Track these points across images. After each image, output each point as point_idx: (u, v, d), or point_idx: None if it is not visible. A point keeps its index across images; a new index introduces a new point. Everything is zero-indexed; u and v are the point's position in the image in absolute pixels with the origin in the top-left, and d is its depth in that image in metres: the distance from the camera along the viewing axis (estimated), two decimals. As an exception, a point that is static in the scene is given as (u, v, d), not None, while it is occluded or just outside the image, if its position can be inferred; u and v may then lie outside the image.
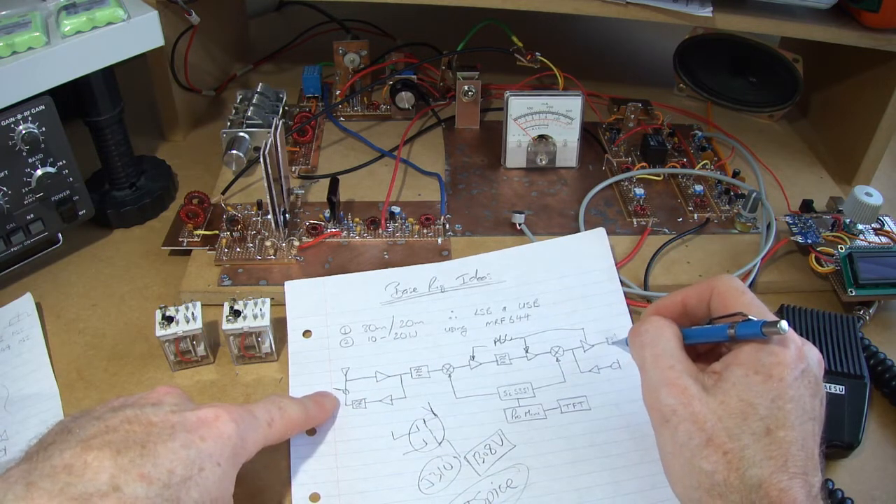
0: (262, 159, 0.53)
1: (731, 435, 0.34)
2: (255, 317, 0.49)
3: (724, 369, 0.37)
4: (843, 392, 0.47)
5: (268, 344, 0.51)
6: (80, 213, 0.58)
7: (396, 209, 0.62)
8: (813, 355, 0.37)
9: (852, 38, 0.63)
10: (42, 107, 0.53)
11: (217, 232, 0.59)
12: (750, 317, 0.37)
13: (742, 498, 0.33)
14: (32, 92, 0.52)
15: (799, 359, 0.36)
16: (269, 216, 0.58)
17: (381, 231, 0.61)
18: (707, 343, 0.41)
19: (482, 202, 0.65)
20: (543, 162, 0.69)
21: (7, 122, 0.51)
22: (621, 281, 0.55)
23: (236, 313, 0.49)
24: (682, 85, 0.82)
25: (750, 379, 0.36)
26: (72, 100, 0.57)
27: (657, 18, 0.64)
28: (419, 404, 0.48)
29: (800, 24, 0.64)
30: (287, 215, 0.59)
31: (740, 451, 0.34)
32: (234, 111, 0.70)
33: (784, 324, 0.35)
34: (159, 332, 0.49)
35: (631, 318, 0.53)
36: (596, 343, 0.51)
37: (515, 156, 0.69)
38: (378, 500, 0.44)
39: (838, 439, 0.46)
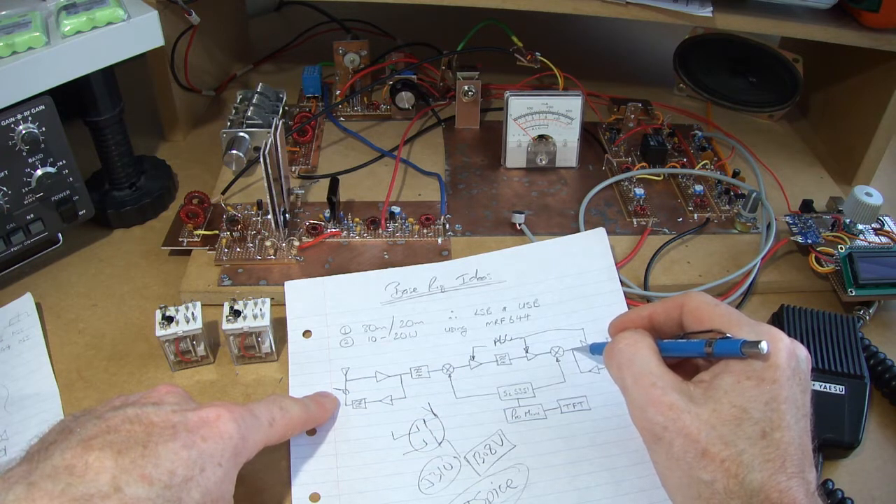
0: (262, 159, 0.53)
1: (726, 442, 0.34)
2: (255, 317, 0.50)
3: (713, 378, 0.37)
4: (843, 392, 0.47)
5: (268, 344, 0.51)
6: (80, 213, 0.58)
7: (396, 209, 0.62)
8: (801, 352, 0.37)
9: (852, 38, 0.63)
10: (42, 107, 0.53)
11: (217, 232, 0.59)
12: (728, 335, 0.37)
13: (743, 503, 0.33)
14: (32, 92, 0.52)
15: (790, 359, 0.36)
16: (269, 216, 0.58)
17: (381, 231, 0.61)
18: (681, 357, 0.40)
19: (482, 202, 0.65)
20: (543, 162, 0.69)
21: (7, 122, 0.51)
22: (621, 281, 0.55)
23: (236, 313, 0.49)
24: (682, 85, 0.82)
25: (742, 385, 0.35)
26: (72, 100, 0.57)
27: (657, 18, 0.64)
28: (419, 404, 0.48)
29: (800, 24, 0.64)
30: (287, 215, 0.59)
31: (737, 457, 0.34)
32: (234, 111, 0.70)
33: (765, 344, 0.35)
34: (159, 332, 0.49)
35: (631, 318, 0.53)
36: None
37: (515, 156, 0.69)
38: (378, 500, 0.44)
39: (838, 439, 0.46)
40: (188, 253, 0.59)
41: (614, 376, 0.41)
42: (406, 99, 0.73)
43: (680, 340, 0.40)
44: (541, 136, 0.67)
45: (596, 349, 0.46)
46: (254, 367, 0.52)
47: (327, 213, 0.62)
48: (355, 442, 0.46)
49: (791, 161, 0.73)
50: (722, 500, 0.34)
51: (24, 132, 0.52)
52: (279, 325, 0.53)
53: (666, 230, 0.62)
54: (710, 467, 0.34)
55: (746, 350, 0.35)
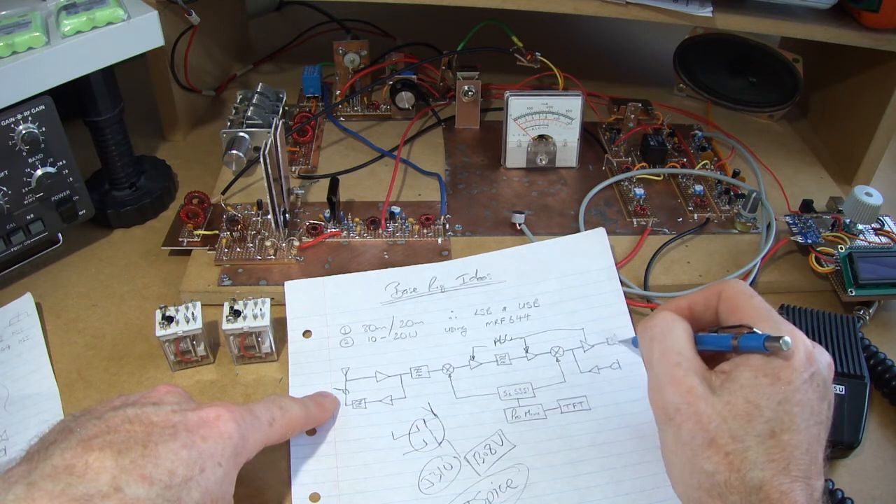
0: (262, 159, 0.53)
1: (734, 436, 0.34)
2: (255, 317, 0.49)
3: (732, 369, 0.37)
4: (843, 392, 0.47)
5: (268, 344, 0.51)
6: (80, 213, 0.58)
7: (396, 209, 0.62)
8: (823, 359, 0.37)
9: (852, 38, 0.63)
10: (42, 107, 0.53)
11: (217, 232, 0.59)
12: (755, 329, 0.37)
13: (742, 499, 0.33)
14: (32, 92, 0.52)
15: (808, 363, 0.36)
16: (269, 216, 0.58)
17: (381, 231, 0.61)
18: (712, 351, 0.40)
19: (482, 202, 0.65)
20: (543, 162, 0.69)
21: (7, 122, 0.51)
22: (621, 281, 0.55)
23: (236, 313, 0.49)
24: (682, 85, 0.82)
25: (758, 381, 0.35)
26: (72, 100, 0.57)
27: (657, 18, 0.64)
28: (419, 404, 0.48)
29: (800, 24, 0.64)
30: (287, 215, 0.59)
31: (742, 453, 0.34)
32: (234, 111, 0.70)
33: (788, 339, 0.35)
34: (159, 332, 0.49)
35: (631, 317, 0.53)
36: (596, 343, 0.51)
37: (515, 156, 0.69)
38: (378, 500, 0.44)
39: (838, 439, 0.46)
40: (188, 253, 0.59)
41: (643, 349, 0.41)
42: (406, 99, 0.73)
43: (712, 334, 0.40)
44: (541, 136, 0.67)
45: (638, 342, 0.47)
46: (254, 367, 0.52)
47: (327, 213, 0.62)
48: (355, 442, 0.46)
49: (791, 161, 0.73)
50: (721, 492, 0.34)
51: (24, 132, 0.52)
52: (279, 325, 0.53)
53: (666, 230, 0.62)
54: (714, 458, 0.34)
55: (769, 344, 0.36)
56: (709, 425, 0.35)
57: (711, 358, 0.40)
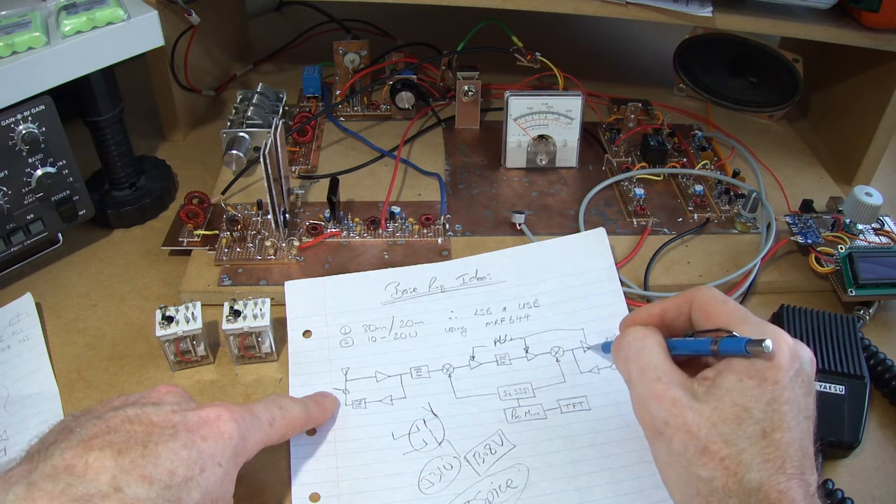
0: (262, 159, 0.53)
1: (726, 441, 0.34)
2: (255, 317, 0.50)
3: (716, 375, 0.37)
4: (843, 392, 0.47)
5: (268, 344, 0.51)
6: (80, 213, 0.58)
7: (396, 209, 0.62)
8: (805, 354, 0.37)
9: (852, 38, 0.63)
10: (42, 107, 0.53)
11: (217, 232, 0.59)
12: (734, 333, 0.37)
13: (741, 502, 0.33)
14: (32, 92, 0.52)
15: (793, 360, 0.36)
16: (269, 216, 0.58)
17: (381, 231, 0.61)
18: (690, 355, 0.40)
19: (482, 202, 0.65)
20: (543, 162, 0.69)
21: (7, 122, 0.51)
22: (621, 281, 0.55)
23: (236, 313, 0.49)
24: (682, 85, 0.82)
25: (744, 384, 0.35)
26: (72, 100, 0.57)
27: (657, 18, 0.64)
28: (419, 404, 0.48)
29: (800, 24, 0.64)
30: (287, 215, 0.59)
31: (737, 456, 0.34)
32: (234, 111, 0.70)
33: (769, 342, 0.35)
34: (159, 332, 0.49)
35: (631, 318, 0.53)
36: (596, 343, 0.51)
37: (515, 156, 0.69)
38: (378, 500, 0.44)
39: (838, 439, 0.46)
40: (188, 253, 0.59)
41: (620, 369, 0.41)
42: (406, 99, 0.73)
43: (688, 339, 0.40)
44: (541, 136, 0.67)
45: (608, 348, 0.46)
46: (254, 367, 0.52)
47: (327, 213, 0.62)
48: (355, 442, 0.46)
49: (791, 161, 0.73)
50: (720, 497, 0.34)
51: (24, 132, 0.52)
52: (279, 325, 0.53)
53: (666, 230, 0.62)
54: (709, 465, 0.34)
55: (751, 348, 0.36)
56: (699, 433, 0.35)
57: (689, 365, 0.40)
